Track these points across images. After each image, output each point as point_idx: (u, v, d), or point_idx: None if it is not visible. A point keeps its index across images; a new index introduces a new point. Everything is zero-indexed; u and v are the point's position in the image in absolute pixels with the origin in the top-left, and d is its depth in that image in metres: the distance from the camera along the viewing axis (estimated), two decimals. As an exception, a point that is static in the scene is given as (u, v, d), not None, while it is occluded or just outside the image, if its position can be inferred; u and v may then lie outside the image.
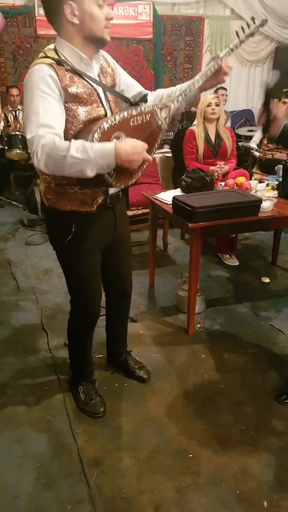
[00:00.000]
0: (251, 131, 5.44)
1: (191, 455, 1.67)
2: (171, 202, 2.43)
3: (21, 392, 2.01)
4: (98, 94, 1.46)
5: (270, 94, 1.70)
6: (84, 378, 1.95)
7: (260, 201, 2.36)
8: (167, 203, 2.52)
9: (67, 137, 1.38)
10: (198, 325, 2.55)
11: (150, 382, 2.06)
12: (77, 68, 1.40)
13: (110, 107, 1.51)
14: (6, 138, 4.48)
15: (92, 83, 1.44)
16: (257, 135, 4.55)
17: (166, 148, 4.28)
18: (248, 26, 1.60)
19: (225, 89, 5.18)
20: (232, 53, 1.60)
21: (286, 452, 1.69)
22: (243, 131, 5.62)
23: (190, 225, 2.18)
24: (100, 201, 1.54)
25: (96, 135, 1.29)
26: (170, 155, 3.95)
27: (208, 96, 3.33)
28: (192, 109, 5.12)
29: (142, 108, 1.43)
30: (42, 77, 1.32)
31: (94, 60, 1.46)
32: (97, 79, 1.48)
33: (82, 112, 1.40)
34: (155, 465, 1.63)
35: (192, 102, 5.30)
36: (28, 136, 1.31)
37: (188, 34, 5.85)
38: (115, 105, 1.54)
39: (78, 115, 1.40)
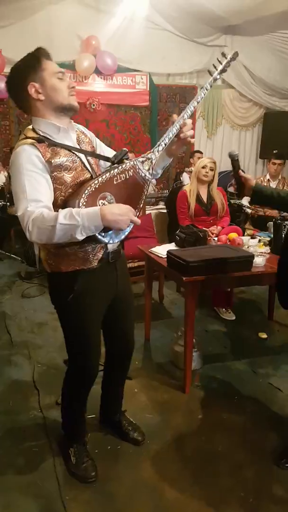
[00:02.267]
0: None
1: (188, 525, 1.57)
2: (165, 256, 2.48)
3: (10, 453, 1.92)
4: (80, 159, 1.52)
5: (237, 162, 1.83)
6: (76, 440, 1.87)
7: (252, 256, 2.40)
8: (162, 257, 2.56)
9: (58, 203, 1.45)
10: (195, 383, 2.49)
11: (144, 444, 1.97)
12: (56, 140, 1.48)
13: (93, 169, 1.57)
14: (8, 195, 4.63)
15: (73, 151, 1.51)
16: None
17: (161, 205, 4.43)
18: (220, 62, 1.66)
19: (201, 152, 5.49)
20: (206, 92, 1.65)
21: (289, 521, 1.59)
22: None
23: (184, 278, 2.21)
24: (100, 255, 1.57)
25: (82, 200, 1.36)
26: (165, 211, 4.09)
27: (205, 159, 3.49)
28: (186, 169, 5.37)
29: (124, 166, 1.50)
30: (25, 157, 1.39)
31: (70, 129, 1.54)
32: (77, 146, 1.55)
33: (68, 178, 1.47)
34: (150, 536, 1.52)
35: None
36: (18, 213, 1.37)
37: (182, 101, 6.26)
38: (97, 167, 1.61)
39: (65, 182, 1.46)
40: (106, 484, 1.75)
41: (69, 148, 1.50)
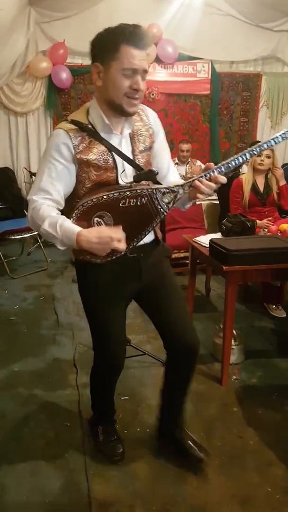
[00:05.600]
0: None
1: (207, 515, 1.54)
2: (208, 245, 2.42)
3: (43, 425, 2.00)
4: (114, 160, 1.42)
5: None
6: (105, 419, 1.90)
7: (301, 248, 2.27)
8: (205, 246, 2.50)
9: (78, 194, 1.43)
10: (234, 377, 2.42)
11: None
12: (100, 132, 1.41)
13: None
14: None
15: (109, 150, 1.42)
16: None
17: (214, 195, 4.31)
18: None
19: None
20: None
21: None
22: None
23: (224, 267, 2.14)
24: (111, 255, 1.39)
25: (77, 212, 1.31)
26: (217, 202, 3.97)
27: None
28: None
29: (139, 190, 1.35)
30: (56, 144, 1.37)
31: (121, 126, 1.45)
32: (119, 146, 1.45)
33: (93, 175, 1.40)
34: (168, 520, 1.52)
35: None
36: (28, 197, 1.41)
37: (245, 89, 6.03)
38: (146, 166, 1.51)
39: (89, 177, 1.41)
40: (131, 464, 1.77)
41: (106, 145, 1.41)
